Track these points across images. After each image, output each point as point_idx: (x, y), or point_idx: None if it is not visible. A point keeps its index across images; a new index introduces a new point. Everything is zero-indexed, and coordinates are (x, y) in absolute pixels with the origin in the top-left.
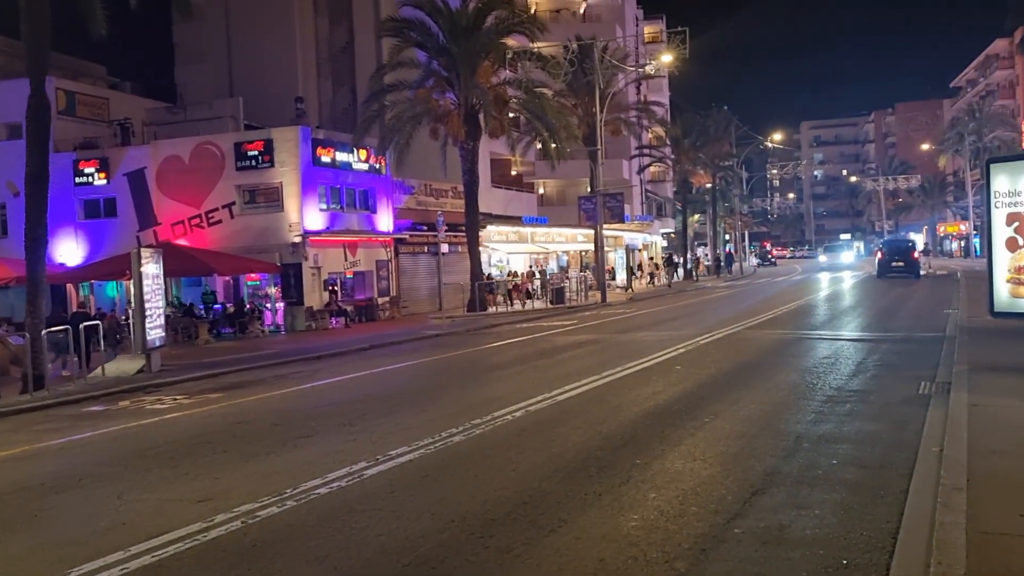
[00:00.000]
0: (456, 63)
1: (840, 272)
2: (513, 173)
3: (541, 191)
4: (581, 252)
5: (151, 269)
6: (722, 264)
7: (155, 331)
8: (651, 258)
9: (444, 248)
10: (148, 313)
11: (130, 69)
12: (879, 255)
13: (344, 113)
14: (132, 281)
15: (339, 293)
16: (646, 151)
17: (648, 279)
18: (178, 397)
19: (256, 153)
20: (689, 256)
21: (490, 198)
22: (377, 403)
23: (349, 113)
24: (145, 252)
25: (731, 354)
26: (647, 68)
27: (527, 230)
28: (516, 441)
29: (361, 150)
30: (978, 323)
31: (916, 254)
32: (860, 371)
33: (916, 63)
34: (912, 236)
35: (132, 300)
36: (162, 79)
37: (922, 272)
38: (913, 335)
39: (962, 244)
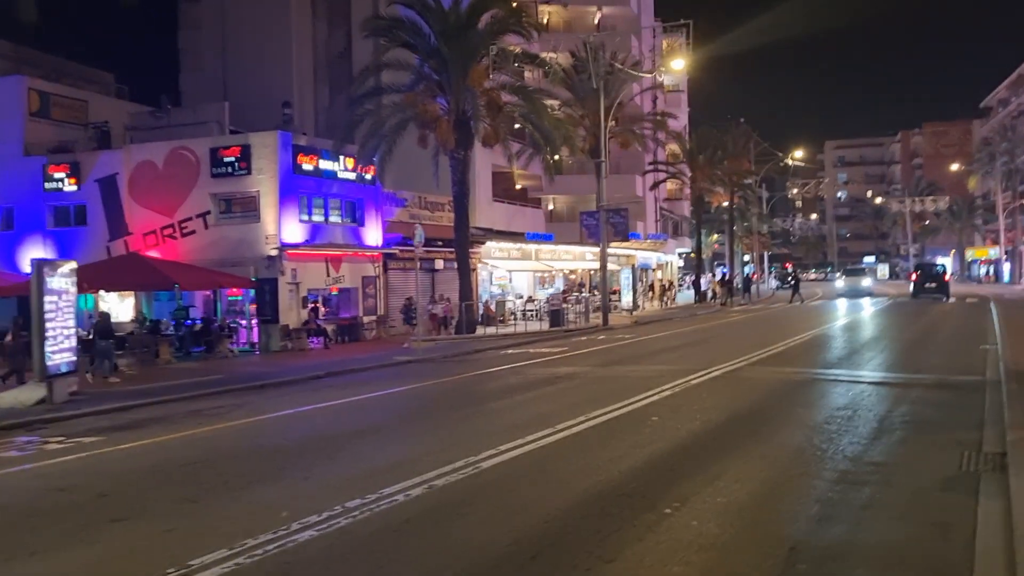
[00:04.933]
0: (447, 65)
1: (861, 298)
2: (518, 187)
3: (551, 207)
4: (590, 271)
5: (59, 284)
6: (735, 286)
7: (60, 355)
8: (660, 279)
9: (439, 264)
10: (51, 335)
11: (140, 77)
12: (914, 278)
13: (342, 120)
14: (32, 298)
15: (320, 311)
16: (661, 166)
17: (658, 301)
18: (52, 440)
19: (233, 159)
20: (704, 278)
21: (491, 212)
22: (258, 462)
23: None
24: (48, 266)
25: (725, 400)
26: (656, 76)
27: (531, 247)
28: (385, 544)
29: (348, 158)
30: None
31: (947, 277)
32: (883, 431)
33: (944, 83)
34: (941, 260)
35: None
36: (169, 87)
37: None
38: (947, 378)
39: (991, 269)
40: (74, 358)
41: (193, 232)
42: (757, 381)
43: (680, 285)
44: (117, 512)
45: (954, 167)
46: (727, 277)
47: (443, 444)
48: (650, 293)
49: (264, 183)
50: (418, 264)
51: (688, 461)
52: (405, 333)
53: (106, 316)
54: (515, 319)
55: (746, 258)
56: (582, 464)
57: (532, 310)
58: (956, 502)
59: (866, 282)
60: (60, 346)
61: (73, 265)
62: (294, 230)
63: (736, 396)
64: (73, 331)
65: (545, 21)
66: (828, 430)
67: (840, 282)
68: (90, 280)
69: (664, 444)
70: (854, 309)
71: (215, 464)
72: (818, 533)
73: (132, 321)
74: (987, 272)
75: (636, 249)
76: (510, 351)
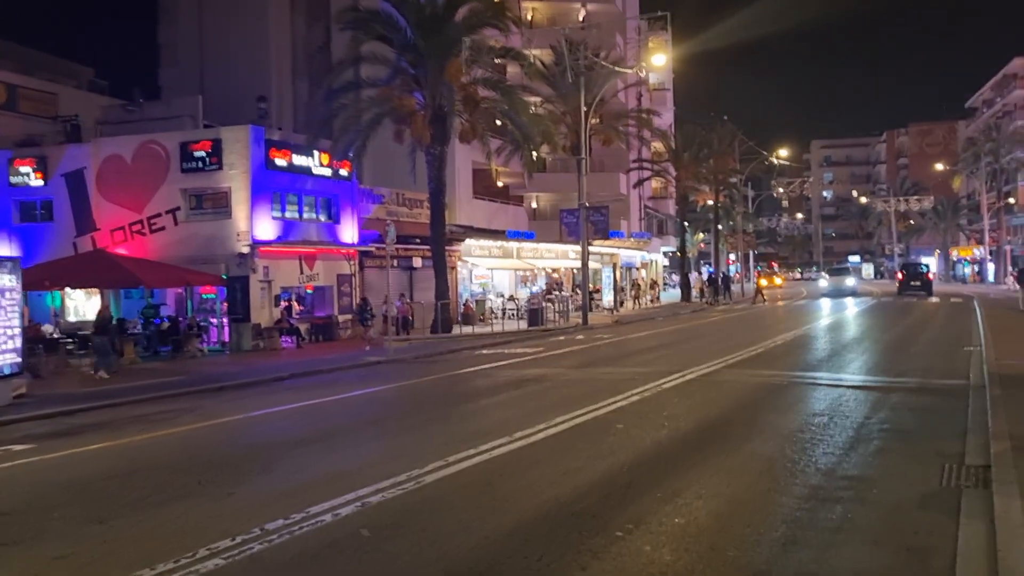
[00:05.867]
0: (424, 59)
1: (845, 298)
2: (500, 185)
3: (534, 205)
4: (573, 270)
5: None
6: (719, 285)
7: (1, 356)
8: (644, 278)
9: (417, 262)
10: None
11: (123, 73)
12: (900, 276)
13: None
14: None
15: (294, 309)
16: (645, 164)
17: (641, 300)
18: None
19: (203, 154)
20: (692, 276)
21: (472, 210)
22: (187, 474)
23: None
24: None
25: (696, 406)
26: (637, 71)
27: (512, 245)
28: (298, 574)
29: (323, 154)
30: (1011, 369)
31: (930, 275)
32: (860, 440)
33: (930, 84)
34: (924, 260)
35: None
36: (150, 82)
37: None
38: (929, 382)
39: (976, 269)
40: (18, 359)
41: (163, 228)
42: (732, 385)
43: (667, 284)
44: (11, 535)
45: (939, 167)
46: (713, 276)
47: (389, 454)
48: (633, 292)
49: (235, 178)
50: (393, 262)
51: (648, 475)
52: (359, 335)
53: (105, 313)
54: (496, 318)
55: (731, 257)
56: (533, 478)
57: (513, 309)
58: (936, 523)
59: (850, 281)
60: (2, 347)
61: (15, 262)
62: (266, 227)
63: (708, 401)
64: (17, 331)
65: (529, 18)
66: (801, 439)
67: (824, 282)
68: (54, 277)
69: (625, 455)
70: (837, 309)
71: (140, 477)
72: (782, 560)
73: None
74: (972, 272)
75: (620, 248)
76: (484, 351)
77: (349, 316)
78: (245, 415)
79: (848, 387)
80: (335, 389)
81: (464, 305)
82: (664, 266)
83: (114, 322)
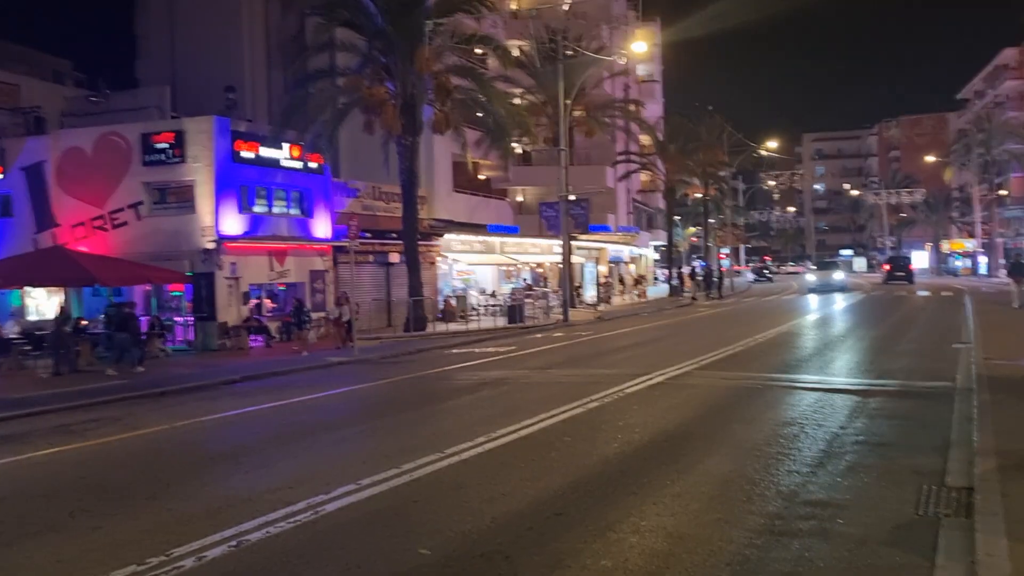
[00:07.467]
0: (394, 47)
1: (832, 293)
2: (482, 178)
3: (520, 198)
4: (559, 265)
5: None
6: (702, 279)
7: None
8: (633, 273)
9: (394, 257)
10: None
11: (102, 65)
12: (886, 268)
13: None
14: None
15: (265, 307)
16: (632, 157)
17: (628, 295)
18: None
19: (166, 146)
20: (676, 271)
21: (452, 204)
22: (66, 501)
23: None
24: None
25: (656, 414)
26: (618, 58)
27: (495, 240)
28: None
29: (293, 146)
30: (1001, 370)
31: (911, 267)
32: (831, 455)
33: (921, 76)
34: (911, 254)
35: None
36: (127, 74)
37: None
38: (912, 384)
39: (968, 262)
40: None
41: (125, 224)
42: (701, 389)
43: (656, 279)
44: None
45: (930, 159)
46: (693, 271)
47: (299, 475)
48: (620, 287)
49: (200, 171)
50: (369, 257)
51: (584, 501)
52: (298, 340)
53: (121, 308)
54: (477, 315)
55: (723, 251)
56: (449, 506)
57: (495, 305)
58: (906, 565)
59: (838, 276)
60: None
61: None
62: (233, 222)
63: (671, 408)
64: None
65: (514, 7)
66: (766, 454)
67: (811, 276)
68: (7, 276)
69: (563, 476)
70: (824, 304)
71: (8, 505)
72: None
73: (55, 319)
74: (965, 265)
75: (607, 242)
76: (455, 351)
77: (323, 313)
78: (169, 425)
79: (825, 390)
80: (281, 394)
81: (444, 302)
82: (655, 260)
83: (70, 321)
